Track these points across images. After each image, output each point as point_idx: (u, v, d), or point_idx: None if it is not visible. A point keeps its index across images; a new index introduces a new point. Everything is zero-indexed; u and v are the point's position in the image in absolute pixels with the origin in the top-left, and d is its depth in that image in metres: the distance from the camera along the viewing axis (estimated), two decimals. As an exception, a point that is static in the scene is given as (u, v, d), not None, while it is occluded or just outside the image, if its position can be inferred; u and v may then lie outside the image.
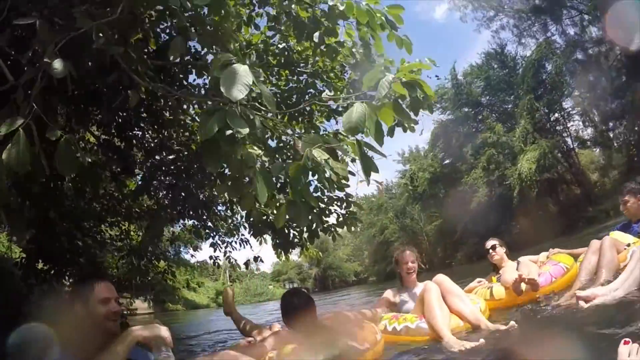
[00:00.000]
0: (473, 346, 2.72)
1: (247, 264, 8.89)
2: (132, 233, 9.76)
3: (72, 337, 2.01)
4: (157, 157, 6.69)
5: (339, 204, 5.81)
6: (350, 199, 5.76)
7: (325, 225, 5.92)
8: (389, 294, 4.27)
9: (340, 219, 5.84)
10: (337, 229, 6.22)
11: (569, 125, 26.79)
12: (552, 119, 26.64)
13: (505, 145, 26.20)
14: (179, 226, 9.88)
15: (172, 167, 6.60)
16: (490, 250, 4.77)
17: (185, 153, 6.39)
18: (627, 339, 1.66)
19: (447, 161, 32.96)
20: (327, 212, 5.76)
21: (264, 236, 6.87)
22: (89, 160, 4.53)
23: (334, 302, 17.05)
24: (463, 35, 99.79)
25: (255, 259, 8.47)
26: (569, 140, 26.70)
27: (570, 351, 2.03)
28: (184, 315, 30.75)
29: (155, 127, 6.23)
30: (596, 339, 2.29)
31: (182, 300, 41.24)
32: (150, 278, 10.33)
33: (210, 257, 8.61)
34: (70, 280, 5.47)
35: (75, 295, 2.21)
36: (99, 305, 2.11)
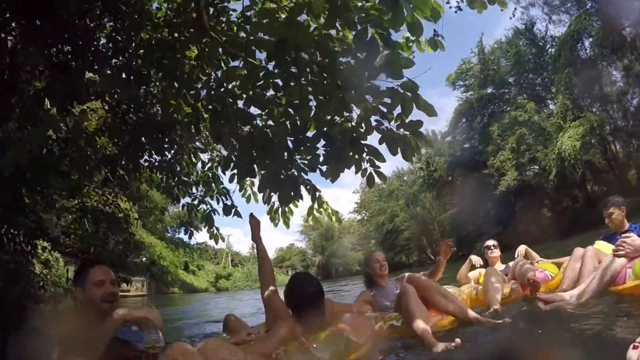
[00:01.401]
0: (452, 346, 2.58)
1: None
2: (87, 189, 7.76)
3: (76, 324, 2.16)
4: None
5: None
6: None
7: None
8: (364, 294, 4.20)
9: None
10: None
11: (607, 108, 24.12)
12: (589, 101, 23.99)
13: (535, 126, 23.73)
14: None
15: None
16: (492, 248, 5.19)
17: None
18: (636, 344, 1.59)
19: (467, 144, 30.49)
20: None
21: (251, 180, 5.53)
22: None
23: (335, 291, 15.55)
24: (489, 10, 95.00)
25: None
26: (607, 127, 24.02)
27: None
28: (180, 299, 29.01)
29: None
30: (607, 343, 2.20)
31: (179, 283, 39.27)
32: (111, 249, 8.61)
33: (211, 236, 6.76)
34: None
35: (75, 282, 2.30)
36: (94, 288, 2.19)
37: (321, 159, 3.98)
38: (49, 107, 4.68)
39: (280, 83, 3.80)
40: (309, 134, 3.91)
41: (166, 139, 5.65)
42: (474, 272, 5.21)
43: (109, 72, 4.85)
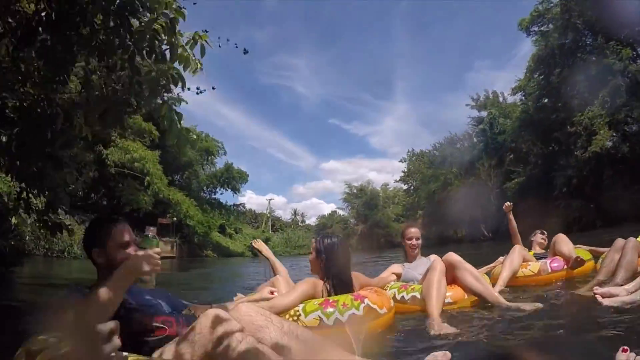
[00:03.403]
0: (448, 332, 2.68)
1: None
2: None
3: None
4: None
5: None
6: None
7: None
8: (394, 266, 4.34)
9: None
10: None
11: None
12: None
13: (635, 78, 19.14)
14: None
15: None
16: (542, 234, 5.52)
17: None
18: (625, 347, 1.63)
19: (542, 101, 25.76)
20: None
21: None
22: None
23: (374, 262, 14.32)
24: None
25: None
26: None
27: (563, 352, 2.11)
28: (213, 263, 27.40)
29: None
30: (596, 342, 2.21)
31: (211, 245, 37.24)
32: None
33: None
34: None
35: (93, 241, 2.02)
36: (119, 250, 1.98)
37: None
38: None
39: None
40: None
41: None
42: None
43: None
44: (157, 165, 26.79)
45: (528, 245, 5.31)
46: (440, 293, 3.22)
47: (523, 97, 28.49)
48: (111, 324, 1.40)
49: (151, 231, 1.95)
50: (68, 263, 14.07)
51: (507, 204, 5.31)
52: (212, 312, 1.59)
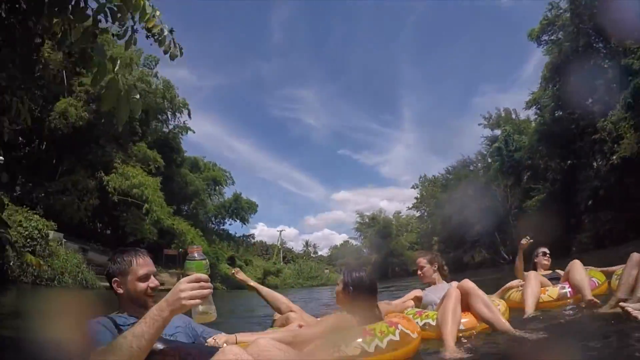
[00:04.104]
0: (459, 357, 2.82)
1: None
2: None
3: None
4: None
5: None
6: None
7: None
8: (415, 291, 4.44)
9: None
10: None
11: None
12: None
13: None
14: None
15: None
16: (546, 254, 5.39)
17: None
18: None
19: (560, 112, 24.65)
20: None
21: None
22: None
23: (382, 293, 11.87)
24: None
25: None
26: None
27: None
28: (221, 296, 25.22)
29: None
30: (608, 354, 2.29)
31: (219, 277, 35.99)
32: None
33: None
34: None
35: (112, 270, 2.10)
36: (138, 283, 2.05)
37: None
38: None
39: None
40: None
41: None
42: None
43: None
44: (158, 192, 25.99)
45: (531, 267, 5.32)
46: (455, 320, 3.30)
47: (538, 111, 27.56)
48: None
49: (196, 251, 1.65)
50: (58, 292, 13.06)
51: (524, 241, 4.98)
52: (229, 348, 1.59)
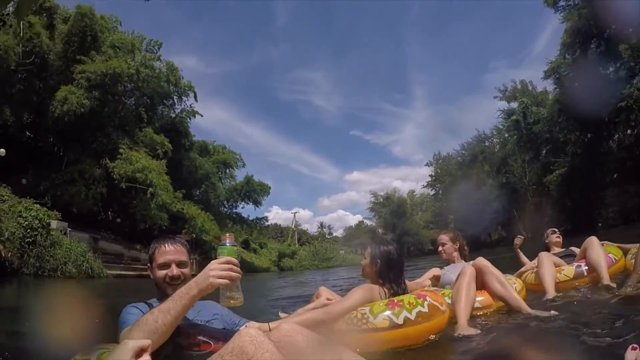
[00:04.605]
0: (470, 334, 2.81)
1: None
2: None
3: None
4: None
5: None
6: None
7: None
8: (434, 270, 4.48)
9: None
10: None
11: None
12: None
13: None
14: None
15: None
16: (556, 232, 5.27)
17: None
18: (635, 345, 1.61)
19: (581, 80, 23.30)
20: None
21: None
22: None
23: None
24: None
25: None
26: None
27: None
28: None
29: None
30: (605, 339, 2.21)
31: (235, 260, 35.77)
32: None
33: None
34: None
35: (148, 257, 2.20)
36: (158, 271, 2.08)
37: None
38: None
39: None
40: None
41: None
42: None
43: None
44: (163, 176, 25.31)
45: (543, 247, 5.14)
46: (469, 298, 3.31)
47: (557, 80, 26.22)
48: (142, 342, 1.38)
49: (227, 238, 1.71)
50: (60, 283, 12.72)
51: (517, 241, 5.31)
52: (245, 331, 1.54)
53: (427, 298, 2.77)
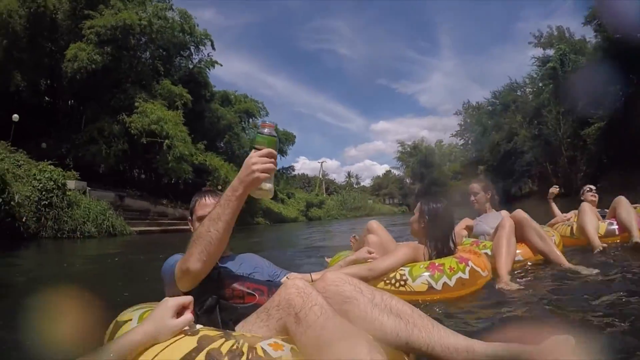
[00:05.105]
0: (512, 288, 2.71)
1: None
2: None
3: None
4: None
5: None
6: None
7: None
8: (466, 220, 4.31)
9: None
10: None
11: None
12: None
13: None
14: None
15: None
16: (592, 190, 5.10)
17: None
18: None
19: (623, 28, 21.37)
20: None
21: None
22: None
23: None
24: None
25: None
26: None
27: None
28: (263, 229, 25.35)
29: None
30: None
31: (261, 211, 35.69)
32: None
33: None
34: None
35: (189, 210, 2.17)
36: (197, 224, 2.02)
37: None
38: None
39: None
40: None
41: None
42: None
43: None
44: (180, 127, 24.72)
45: (578, 205, 4.84)
46: (510, 251, 3.22)
47: (598, 27, 24.33)
48: (183, 298, 1.34)
49: (267, 126, 1.55)
50: (80, 243, 12.68)
51: (553, 190, 5.31)
52: (291, 282, 1.39)
53: (470, 263, 2.73)
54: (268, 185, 1.52)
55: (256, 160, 1.46)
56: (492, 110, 41.05)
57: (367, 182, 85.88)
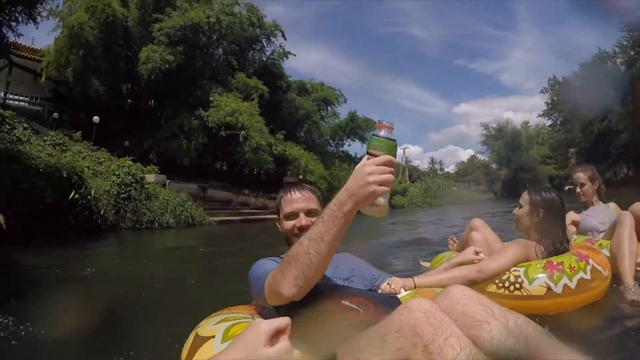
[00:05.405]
0: None
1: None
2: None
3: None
4: None
5: None
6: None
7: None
8: (572, 214, 3.89)
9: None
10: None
11: None
12: None
13: None
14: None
15: None
16: None
17: None
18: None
19: None
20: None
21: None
22: None
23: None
24: None
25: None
26: None
27: None
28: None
29: None
30: None
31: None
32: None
33: None
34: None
35: (276, 206, 1.98)
36: (285, 221, 1.88)
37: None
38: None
39: None
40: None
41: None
42: None
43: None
44: (256, 117, 25.14)
45: None
46: (632, 252, 2.81)
47: None
48: (279, 322, 1.08)
49: (385, 127, 1.25)
50: (159, 234, 13.56)
51: None
52: (416, 303, 1.17)
53: (590, 261, 2.45)
54: (383, 201, 1.25)
55: (372, 170, 1.19)
56: (581, 85, 37.93)
57: (451, 168, 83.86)
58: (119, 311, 3.41)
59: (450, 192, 60.57)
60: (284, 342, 1.05)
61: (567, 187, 35.89)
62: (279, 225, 1.93)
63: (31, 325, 2.71)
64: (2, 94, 21.72)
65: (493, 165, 62.91)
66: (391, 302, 1.60)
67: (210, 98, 24.28)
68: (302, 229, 1.76)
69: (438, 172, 78.86)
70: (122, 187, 14.07)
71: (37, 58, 22.28)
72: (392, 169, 1.21)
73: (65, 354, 2.43)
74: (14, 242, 7.74)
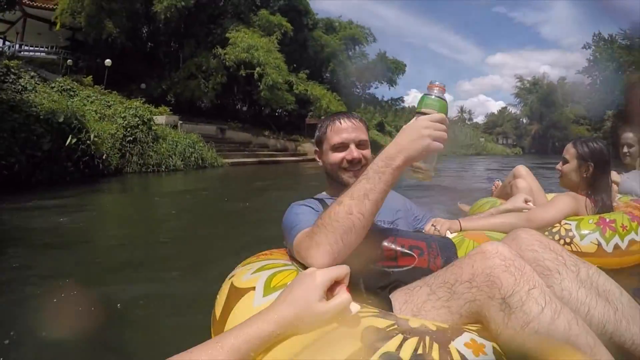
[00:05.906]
0: None
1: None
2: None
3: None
4: None
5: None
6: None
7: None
8: (613, 174, 3.36)
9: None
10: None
11: None
12: None
13: None
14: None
15: None
16: None
17: None
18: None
19: None
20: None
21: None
22: None
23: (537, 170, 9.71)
24: None
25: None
26: None
27: None
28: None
29: None
30: None
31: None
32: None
33: None
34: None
35: (315, 139, 1.74)
36: (331, 153, 1.62)
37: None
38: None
39: None
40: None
41: None
42: None
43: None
44: (274, 54, 24.01)
45: None
46: None
47: None
48: (337, 270, 0.96)
49: (437, 87, 1.20)
50: (166, 177, 13.13)
51: None
52: (492, 248, 1.02)
53: None
54: (430, 165, 1.20)
55: (428, 124, 1.10)
56: (629, 44, 35.52)
57: (480, 119, 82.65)
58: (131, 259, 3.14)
59: (478, 143, 59.74)
60: (343, 295, 0.91)
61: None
62: (319, 160, 1.72)
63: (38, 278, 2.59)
64: (17, 46, 21.49)
65: (524, 120, 61.21)
66: (448, 245, 1.50)
67: (227, 35, 23.46)
68: (353, 162, 1.60)
69: (467, 121, 77.45)
70: (128, 129, 13.66)
71: (51, 7, 21.74)
72: (445, 128, 1.12)
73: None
74: (12, 191, 7.52)
